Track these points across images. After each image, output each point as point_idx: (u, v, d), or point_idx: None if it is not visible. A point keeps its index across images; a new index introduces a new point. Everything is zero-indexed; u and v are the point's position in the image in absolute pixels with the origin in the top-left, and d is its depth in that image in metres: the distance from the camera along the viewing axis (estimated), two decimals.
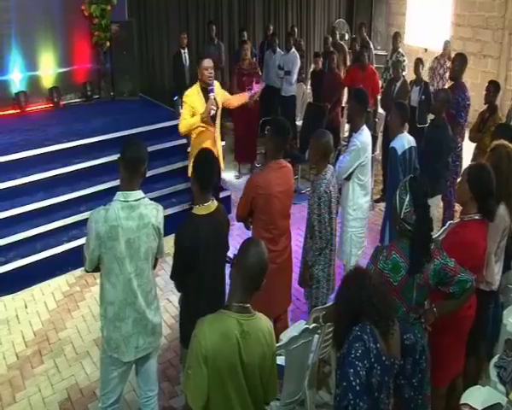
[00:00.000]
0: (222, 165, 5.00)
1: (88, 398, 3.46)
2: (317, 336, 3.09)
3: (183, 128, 4.68)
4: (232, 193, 5.76)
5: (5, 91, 7.25)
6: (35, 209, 4.90)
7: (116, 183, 4.86)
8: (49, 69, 7.65)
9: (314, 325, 2.99)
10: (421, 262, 2.43)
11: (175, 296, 4.06)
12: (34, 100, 7.25)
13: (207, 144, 4.62)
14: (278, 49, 7.86)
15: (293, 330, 3.28)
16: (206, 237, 2.76)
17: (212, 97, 4.58)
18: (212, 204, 2.85)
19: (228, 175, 6.71)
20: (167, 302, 4.14)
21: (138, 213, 2.63)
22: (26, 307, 4.44)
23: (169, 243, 2.83)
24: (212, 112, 4.57)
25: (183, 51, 7.99)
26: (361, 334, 1.95)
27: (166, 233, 2.78)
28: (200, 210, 2.81)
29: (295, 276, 3.78)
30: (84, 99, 7.38)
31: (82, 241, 3.05)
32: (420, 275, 2.42)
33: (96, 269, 2.70)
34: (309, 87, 8.10)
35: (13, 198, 4.88)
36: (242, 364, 1.99)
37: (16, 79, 7.51)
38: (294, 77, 7.46)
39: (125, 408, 3.25)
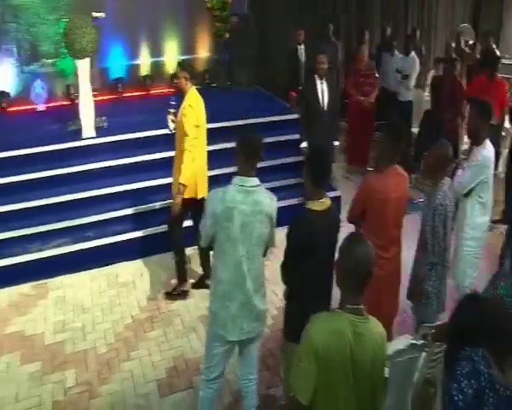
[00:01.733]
0: None
1: (192, 371, 3.68)
2: (424, 354, 3.00)
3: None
4: (342, 194, 5.73)
5: (134, 74, 7.88)
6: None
7: (231, 169, 5.18)
8: (171, 56, 8.16)
9: (422, 341, 2.91)
10: None
11: (280, 288, 4.15)
12: (158, 83, 7.79)
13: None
14: (396, 52, 7.64)
15: (399, 342, 3.20)
16: (319, 233, 2.77)
17: (172, 112, 4.39)
18: (326, 201, 2.86)
19: (337, 175, 6.69)
20: (272, 293, 4.25)
21: (253, 198, 2.71)
22: (141, 275, 4.85)
23: (279, 234, 2.89)
24: (172, 125, 4.39)
25: (299, 47, 8.08)
26: (470, 354, 1.87)
27: (276, 225, 2.84)
28: (314, 205, 2.82)
29: (404, 288, 3.69)
30: (203, 86, 7.75)
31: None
32: None
33: (210, 247, 2.84)
34: (427, 94, 7.78)
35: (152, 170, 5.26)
36: (353, 365, 1.99)
37: (143, 64, 8.11)
38: (413, 82, 7.21)
39: (225, 386, 3.40)
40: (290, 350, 2.95)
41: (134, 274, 4.88)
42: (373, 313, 2.13)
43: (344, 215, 3.39)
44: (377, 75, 7.13)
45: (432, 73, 7.69)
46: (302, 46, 8.07)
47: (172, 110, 4.33)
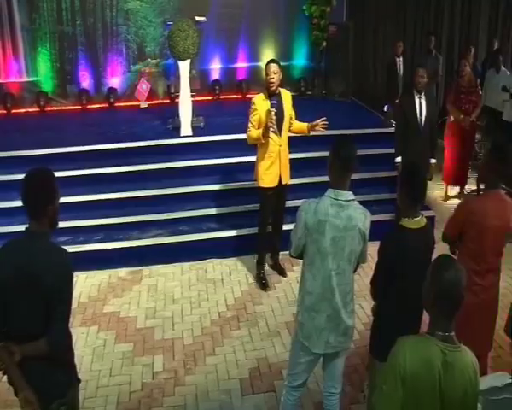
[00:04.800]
0: None
1: (275, 375, 3.72)
2: None
3: (248, 140, 4.59)
4: (436, 214, 5.53)
5: (231, 78, 8.16)
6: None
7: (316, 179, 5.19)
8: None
9: None
10: None
11: (367, 303, 4.12)
12: (253, 88, 7.99)
13: (272, 155, 4.47)
14: (503, 68, 7.21)
15: (495, 379, 3.01)
16: (413, 252, 2.70)
17: (273, 113, 4.30)
18: (422, 220, 2.77)
19: (433, 195, 6.47)
20: (359, 308, 4.20)
21: (347, 213, 2.66)
22: (230, 273, 5.01)
23: (368, 249, 2.83)
24: (272, 128, 4.33)
25: (397, 59, 7.89)
26: None
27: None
28: (408, 223, 2.74)
29: (501, 322, 3.49)
30: (298, 94, 7.83)
31: None
32: None
33: (300, 256, 2.83)
34: None
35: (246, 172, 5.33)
36: (442, 396, 1.90)
37: (240, 68, 8.36)
38: None
39: (307, 396, 3.42)
40: (376, 368, 2.91)
41: (223, 272, 5.04)
42: (464, 342, 2.02)
43: (438, 235, 3.27)
44: (480, 92, 6.79)
45: None
46: (401, 58, 7.87)
47: (273, 110, 4.32)
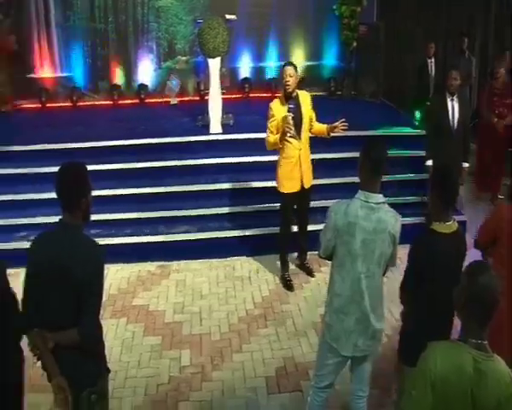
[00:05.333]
0: None
1: (301, 375, 3.72)
2: None
3: (267, 146, 4.51)
4: (467, 219, 5.44)
5: (261, 76, 8.17)
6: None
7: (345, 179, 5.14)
8: (298, 61, 8.29)
9: None
10: None
11: (396, 308, 4.06)
12: (280, 87, 7.98)
13: (292, 160, 4.40)
14: None
15: None
16: (444, 256, 2.66)
17: (290, 117, 4.23)
18: (453, 224, 2.73)
19: (464, 199, 6.35)
20: (387, 312, 4.15)
21: (377, 216, 2.64)
22: (257, 271, 5.03)
23: (398, 252, 2.80)
24: (289, 133, 4.27)
25: (429, 61, 7.78)
26: None
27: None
28: (440, 227, 2.71)
29: None
30: (327, 93, 7.79)
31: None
32: None
33: (329, 257, 2.82)
34: None
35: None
36: (474, 403, 1.86)
37: (270, 67, 8.37)
38: None
39: (334, 397, 3.38)
40: (405, 373, 2.88)
41: (251, 270, 5.07)
42: (498, 352, 1.96)
43: (469, 241, 3.22)
44: None
45: None
46: (432, 60, 7.75)
47: (290, 114, 4.27)
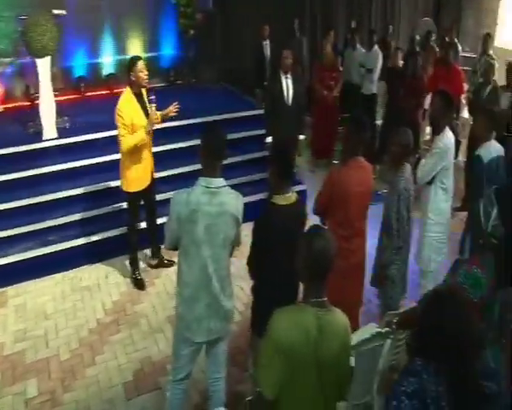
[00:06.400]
0: None
1: (159, 372, 3.63)
2: (388, 341, 3.04)
3: (126, 149, 4.18)
4: (307, 187, 5.75)
5: (97, 73, 7.72)
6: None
7: (194, 167, 5.12)
8: (136, 54, 8.02)
9: (387, 329, 2.94)
10: (508, 278, 2.32)
11: (247, 284, 4.13)
12: (122, 82, 7.64)
13: (144, 156, 4.34)
14: (359, 47, 7.70)
15: (364, 332, 3.23)
16: (285, 228, 2.78)
17: (154, 108, 4.21)
18: (293, 195, 2.88)
19: (303, 169, 6.71)
20: (239, 289, 4.24)
21: (219, 200, 2.67)
22: (106, 277, 4.76)
23: (244, 230, 2.87)
24: (156, 125, 4.31)
25: (264, 42, 8.06)
26: (421, 370, 1.75)
27: (242, 221, 2.81)
28: (280, 200, 2.84)
29: (368, 277, 3.73)
30: (168, 84, 7.65)
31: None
32: (505, 291, 2.32)
33: (175, 248, 2.79)
34: None
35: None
36: (318, 359, 1.98)
37: (107, 62, 7.95)
38: (376, 75, 7.26)
39: (192, 387, 3.37)
40: (258, 345, 2.94)
41: (99, 277, 4.77)
42: (338, 304, 2.12)
43: (310, 208, 3.39)
44: (341, 69, 7.18)
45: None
46: (267, 42, 8.05)
47: (154, 105, 4.20)
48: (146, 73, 4.22)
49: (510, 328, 2.39)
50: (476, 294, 2.30)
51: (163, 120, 4.51)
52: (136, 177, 4.36)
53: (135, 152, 4.25)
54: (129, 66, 4.21)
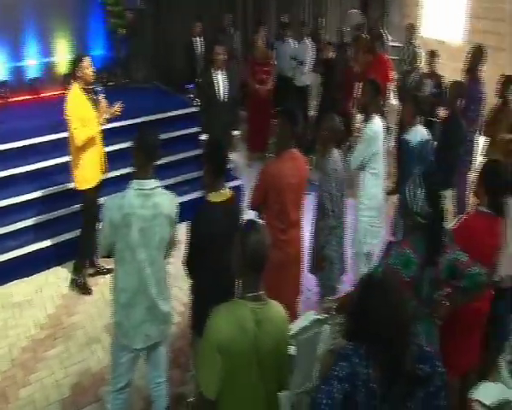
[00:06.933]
0: None
1: (99, 383, 3.51)
2: (327, 326, 3.09)
3: (82, 141, 4.14)
4: (244, 182, 5.74)
5: (21, 77, 7.32)
6: (52, 194, 4.98)
7: (128, 170, 4.98)
8: (64, 56, 7.70)
9: (325, 315, 2.99)
10: (434, 256, 2.41)
11: (186, 284, 4.07)
12: (49, 86, 7.30)
13: (96, 147, 4.34)
14: (290, 40, 7.78)
15: (303, 320, 3.27)
16: (220, 225, 2.77)
17: (102, 97, 4.33)
18: (226, 191, 2.87)
19: (239, 164, 6.70)
20: (178, 290, 4.17)
21: (153, 202, 2.64)
22: (40, 290, 4.52)
23: (181, 230, 2.84)
24: (107, 115, 4.35)
25: (194, 40, 7.97)
26: (352, 354, 1.79)
27: (179, 221, 2.79)
28: (214, 197, 2.83)
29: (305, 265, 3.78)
30: (100, 85, 7.39)
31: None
32: (432, 269, 2.41)
33: (110, 255, 2.73)
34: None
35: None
36: (257, 353, 1.99)
37: (31, 66, 7.56)
38: (307, 67, 7.39)
39: (134, 394, 3.28)
40: (199, 345, 2.91)
41: (32, 291, 4.52)
42: (276, 295, 2.14)
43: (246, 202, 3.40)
44: (275, 63, 7.22)
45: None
46: (199, 39, 7.96)
47: (103, 95, 4.30)
48: (92, 69, 4.25)
49: (439, 304, 2.51)
50: (408, 273, 2.39)
51: (108, 121, 4.48)
52: (92, 170, 4.31)
53: (88, 146, 4.22)
54: (75, 63, 4.24)
